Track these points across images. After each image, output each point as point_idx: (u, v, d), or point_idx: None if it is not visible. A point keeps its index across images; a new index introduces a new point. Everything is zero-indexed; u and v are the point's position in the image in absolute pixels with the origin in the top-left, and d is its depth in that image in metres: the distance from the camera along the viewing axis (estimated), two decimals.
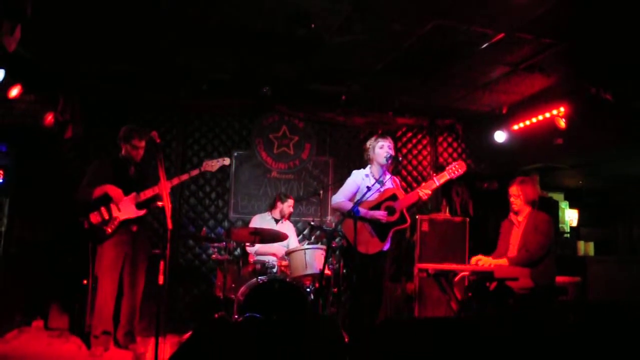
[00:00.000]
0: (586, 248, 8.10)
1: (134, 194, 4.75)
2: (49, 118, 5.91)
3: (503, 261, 4.65)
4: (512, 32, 4.83)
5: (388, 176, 4.78)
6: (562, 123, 6.13)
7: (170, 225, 3.70)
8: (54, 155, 6.36)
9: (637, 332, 3.39)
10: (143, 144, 4.85)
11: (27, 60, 5.45)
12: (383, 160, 4.68)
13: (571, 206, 9.44)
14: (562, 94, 6.14)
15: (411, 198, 4.58)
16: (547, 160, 7.44)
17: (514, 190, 4.91)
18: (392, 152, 4.68)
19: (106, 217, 4.68)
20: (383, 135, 4.87)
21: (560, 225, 8.95)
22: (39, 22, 4.81)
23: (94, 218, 4.67)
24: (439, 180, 4.60)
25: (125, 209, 4.73)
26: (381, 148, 4.73)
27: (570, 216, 9.37)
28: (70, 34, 5.20)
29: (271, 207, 6.34)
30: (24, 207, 5.75)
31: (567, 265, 6.28)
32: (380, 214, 4.55)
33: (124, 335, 4.83)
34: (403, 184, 5.85)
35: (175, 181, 4.86)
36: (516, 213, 4.92)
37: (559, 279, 5.08)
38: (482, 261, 4.69)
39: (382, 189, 4.68)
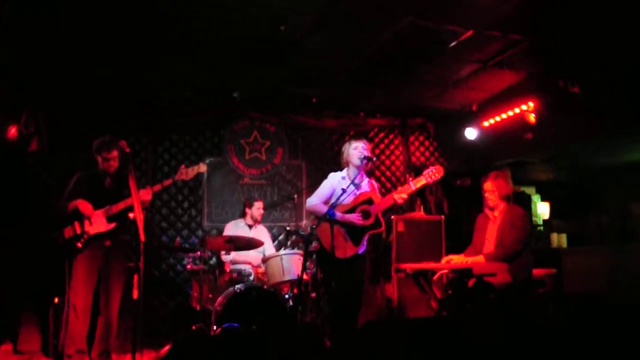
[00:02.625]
0: (559, 240, 8.21)
1: (106, 207, 4.63)
2: (12, 131, 5.73)
3: (479, 258, 4.65)
4: (480, 30, 4.85)
5: (365, 180, 4.74)
6: (532, 118, 6.19)
7: (142, 237, 3.60)
8: (18, 169, 6.16)
9: (618, 324, 3.42)
10: (114, 154, 4.71)
11: None
12: (357, 162, 4.64)
13: (543, 199, 9.55)
14: (531, 89, 6.21)
15: (386, 202, 4.54)
16: (518, 155, 7.53)
17: (488, 185, 4.91)
18: (365, 153, 4.63)
19: (78, 231, 4.57)
20: (357, 137, 4.84)
21: (533, 219, 9.05)
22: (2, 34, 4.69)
23: (67, 233, 4.58)
24: (415, 184, 4.55)
25: (96, 223, 4.61)
26: (355, 149, 4.68)
27: (542, 209, 9.48)
28: (36, 46, 5.07)
29: (242, 214, 6.27)
30: None
31: (541, 257, 6.33)
32: (354, 217, 4.50)
33: (99, 354, 4.67)
34: (378, 185, 5.81)
35: (157, 187, 4.75)
36: (492, 209, 4.93)
37: (536, 271, 5.10)
38: (454, 260, 4.68)
39: (357, 192, 4.64)
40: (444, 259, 4.81)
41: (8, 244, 5.76)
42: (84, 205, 4.55)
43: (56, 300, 5.21)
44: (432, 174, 4.59)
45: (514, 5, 4.37)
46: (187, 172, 4.83)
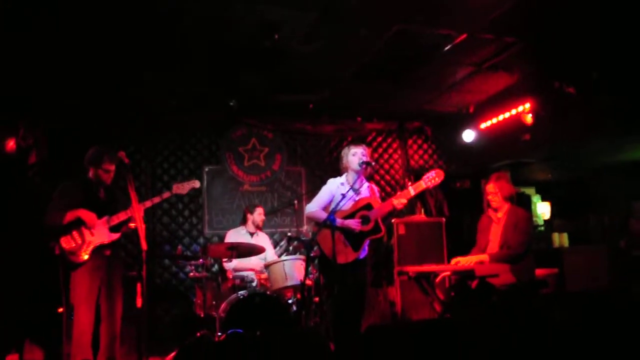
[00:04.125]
0: (561, 239, 8.21)
1: (105, 217, 4.60)
2: (11, 144, 5.74)
3: (484, 257, 4.66)
4: (474, 33, 4.89)
5: (365, 185, 4.73)
6: (529, 119, 6.23)
7: (144, 246, 3.61)
8: (18, 182, 6.17)
9: (622, 320, 3.43)
10: (114, 167, 4.71)
11: None
12: (356, 167, 4.64)
13: (543, 199, 9.56)
14: (526, 90, 6.25)
15: (386, 207, 4.51)
16: (517, 156, 7.54)
17: (490, 187, 4.91)
18: (365, 158, 4.64)
19: (79, 241, 4.51)
20: (356, 142, 4.84)
21: (533, 219, 9.07)
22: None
23: (66, 243, 4.50)
24: (415, 189, 4.52)
25: (99, 233, 4.58)
26: (354, 155, 4.68)
27: (542, 209, 9.49)
28: (33, 58, 5.09)
29: (243, 221, 6.27)
30: None
31: (543, 257, 6.35)
32: (353, 223, 4.48)
33: None
34: (378, 189, 5.82)
35: (148, 204, 4.74)
36: (495, 210, 4.93)
37: (538, 271, 5.12)
38: (462, 262, 4.70)
39: (357, 198, 4.63)
40: (452, 261, 4.81)
41: (12, 255, 5.76)
42: (87, 216, 4.50)
43: (60, 310, 5.21)
44: (432, 178, 4.55)
45: (507, 8, 4.40)
46: (182, 187, 4.85)
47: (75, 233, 4.52)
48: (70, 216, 4.49)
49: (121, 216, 4.59)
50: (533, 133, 6.53)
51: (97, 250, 4.58)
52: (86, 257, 4.49)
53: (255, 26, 4.61)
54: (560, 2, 4.42)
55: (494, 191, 4.89)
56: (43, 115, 6.20)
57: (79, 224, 4.53)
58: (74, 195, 4.60)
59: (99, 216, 4.57)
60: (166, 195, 4.84)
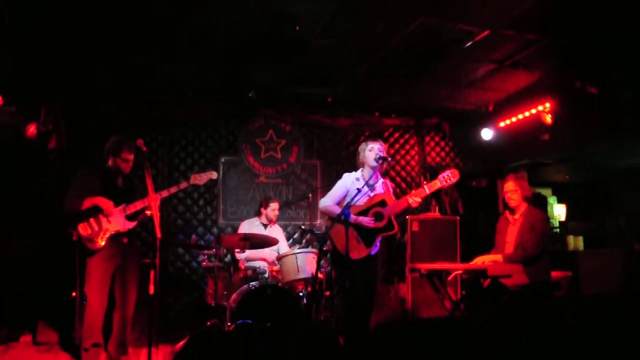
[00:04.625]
0: (576, 242, 8.14)
1: (123, 205, 4.66)
2: (31, 129, 5.81)
3: (497, 257, 4.63)
4: (496, 29, 4.83)
5: (380, 181, 4.71)
6: (548, 118, 6.16)
7: (159, 234, 3.64)
8: (38, 166, 6.25)
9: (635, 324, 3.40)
10: (132, 156, 4.75)
11: (7, 71, 5.36)
12: (373, 162, 4.61)
13: (559, 201, 9.49)
14: (547, 89, 6.18)
15: (400, 205, 4.47)
16: (535, 156, 7.47)
17: (510, 186, 4.84)
18: (381, 154, 4.61)
19: (96, 228, 4.57)
20: (373, 138, 4.81)
21: (550, 221, 9.00)
22: (19, 33, 4.75)
23: (83, 230, 4.56)
24: (430, 188, 4.47)
25: (116, 221, 4.64)
26: (370, 150, 4.66)
27: (558, 211, 9.42)
28: (53, 45, 5.13)
29: (257, 213, 6.30)
30: (8, 220, 5.64)
31: (558, 260, 6.29)
32: (367, 221, 4.47)
33: (115, 347, 4.74)
34: (393, 185, 5.81)
35: (164, 194, 4.77)
36: (512, 210, 4.87)
37: (552, 274, 5.08)
38: (478, 262, 4.68)
39: (371, 194, 4.61)
40: (475, 260, 4.76)
41: (27, 239, 5.85)
42: (105, 204, 4.55)
43: (73, 294, 5.29)
44: (447, 177, 4.49)
45: (530, 4, 4.35)
46: (200, 178, 4.88)
47: (92, 220, 4.58)
48: (88, 203, 4.55)
49: (138, 205, 4.64)
50: (552, 133, 6.46)
51: (114, 238, 4.63)
52: (102, 243, 4.55)
53: (275, 18, 4.61)
54: (583, 0, 4.35)
55: (514, 189, 4.82)
56: (63, 102, 6.26)
57: (96, 211, 4.58)
58: (93, 183, 4.67)
59: (117, 204, 4.63)
60: (183, 185, 4.88)
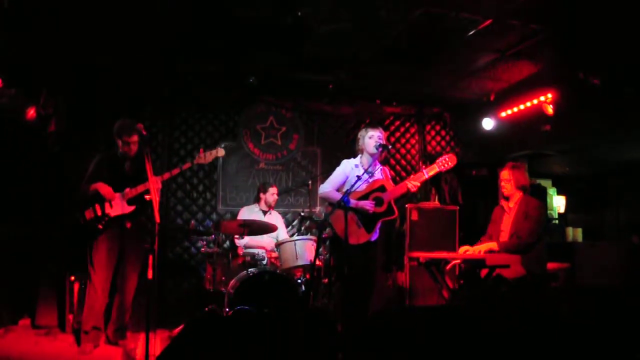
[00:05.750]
0: (574, 234, 8.14)
1: (126, 190, 4.70)
2: (31, 112, 5.79)
3: (493, 244, 4.65)
4: (500, 18, 4.79)
5: (378, 167, 4.72)
6: (550, 109, 6.13)
7: (158, 219, 3.64)
8: (37, 150, 6.23)
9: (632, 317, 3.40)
10: (135, 138, 4.74)
11: (7, 54, 5.33)
12: (373, 150, 4.62)
13: (559, 192, 9.48)
14: (549, 80, 6.14)
15: (399, 189, 4.53)
16: (535, 147, 7.45)
17: (505, 174, 4.90)
18: (381, 141, 4.62)
19: (99, 213, 4.67)
20: (373, 125, 4.80)
21: (548, 212, 8.99)
22: (19, 15, 4.72)
23: (88, 215, 4.67)
24: (428, 172, 4.54)
25: (116, 205, 4.69)
26: (370, 138, 4.67)
27: (558, 202, 9.41)
28: (54, 28, 5.10)
29: (256, 200, 6.29)
30: (7, 203, 5.64)
31: (556, 251, 6.29)
32: (367, 204, 4.50)
33: (114, 331, 4.77)
34: (392, 173, 5.79)
35: (166, 176, 4.78)
36: (507, 198, 4.91)
37: (549, 265, 5.08)
38: (470, 251, 4.69)
39: (370, 180, 4.63)
40: (461, 250, 4.81)
41: (27, 223, 5.85)
42: (105, 189, 4.64)
43: (72, 278, 5.31)
44: (445, 162, 4.58)
45: None
46: (205, 156, 4.87)
47: (97, 205, 4.71)
48: (92, 189, 4.65)
49: (140, 188, 4.68)
50: (553, 124, 6.43)
51: (116, 222, 4.68)
52: (102, 228, 4.63)
53: (276, 3, 4.57)
54: None
55: (507, 178, 4.87)
56: (62, 84, 6.23)
57: (100, 196, 4.64)
58: (101, 169, 4.75)
59: (123, 188, 4.68)
60: (187, 165, 4.89)
